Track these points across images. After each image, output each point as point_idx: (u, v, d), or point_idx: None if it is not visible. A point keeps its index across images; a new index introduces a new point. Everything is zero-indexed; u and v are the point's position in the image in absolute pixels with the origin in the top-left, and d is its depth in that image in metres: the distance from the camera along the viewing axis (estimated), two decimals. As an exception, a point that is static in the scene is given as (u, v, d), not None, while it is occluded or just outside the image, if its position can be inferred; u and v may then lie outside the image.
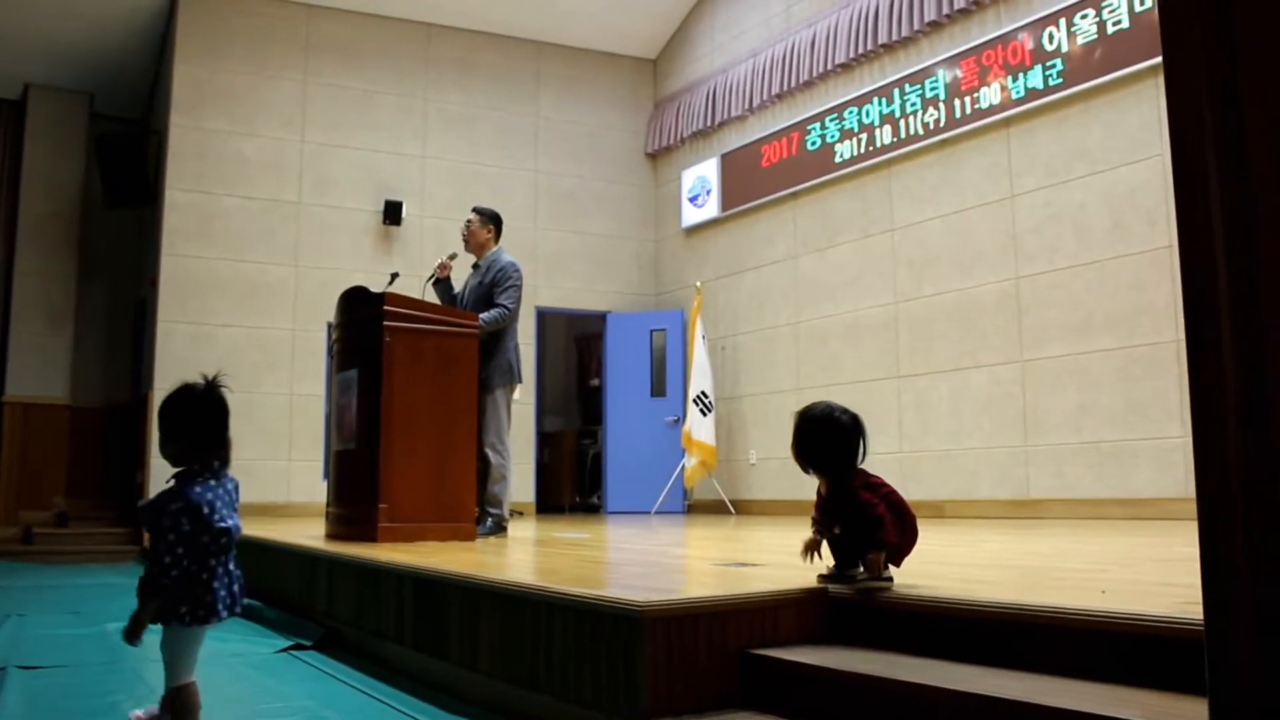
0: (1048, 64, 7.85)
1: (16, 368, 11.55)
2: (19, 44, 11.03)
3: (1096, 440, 7.39)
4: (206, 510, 2.51)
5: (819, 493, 2.92)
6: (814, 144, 10.06)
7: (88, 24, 10.80)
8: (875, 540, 2.76)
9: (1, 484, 11.10)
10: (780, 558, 4.13)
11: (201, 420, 2.61)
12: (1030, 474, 7.83)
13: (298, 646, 4.38)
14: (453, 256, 6.45)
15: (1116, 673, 2.09)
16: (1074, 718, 1.86)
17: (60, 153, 12.00)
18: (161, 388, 9.82)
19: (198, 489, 2.54)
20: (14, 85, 11.91)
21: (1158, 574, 3.24)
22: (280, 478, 10.29)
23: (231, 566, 2.58)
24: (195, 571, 2.50)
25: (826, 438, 2.85)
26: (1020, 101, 8.05)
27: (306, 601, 4.97)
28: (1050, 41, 7.85)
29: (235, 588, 2.59)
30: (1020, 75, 8.06)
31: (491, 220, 6.51)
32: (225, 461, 2.65)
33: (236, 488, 2.67)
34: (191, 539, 2.49)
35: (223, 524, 2.53)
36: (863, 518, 2.77)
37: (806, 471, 2.90)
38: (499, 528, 6.03)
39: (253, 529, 6.76)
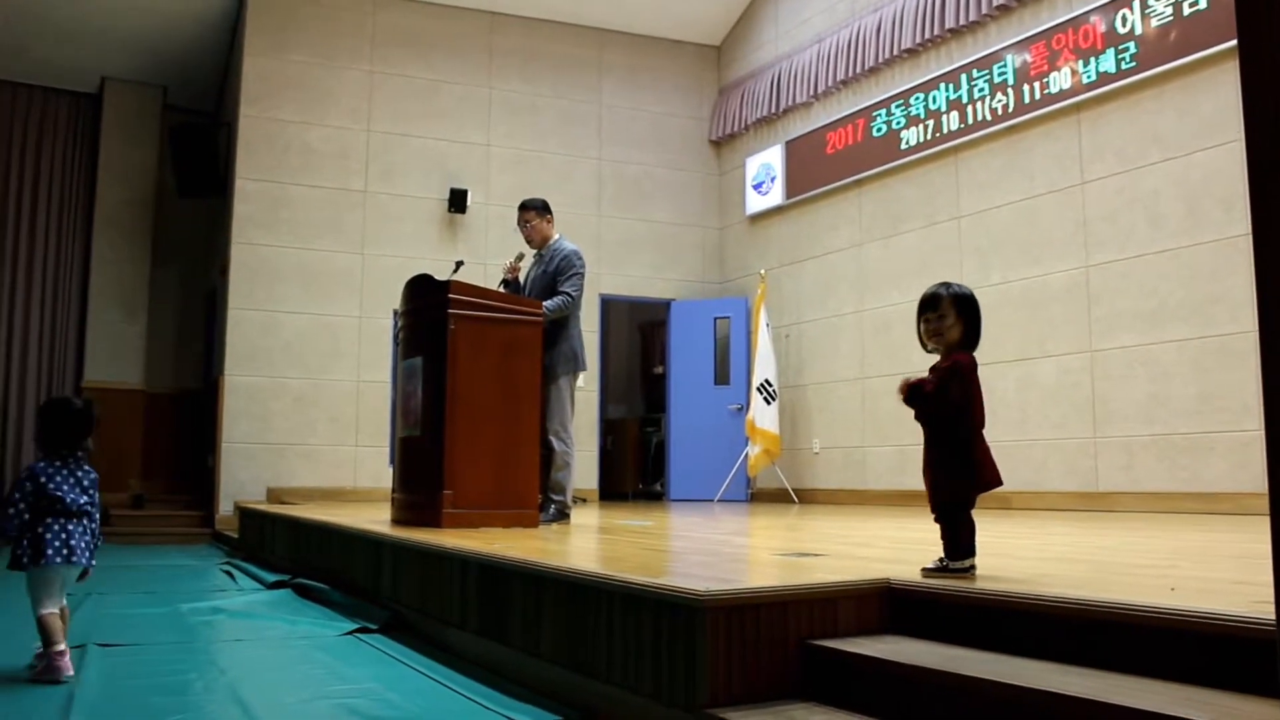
0: (1120, 47, 7.69)
1: (94, 354, 11.87)
2: (96, 39, 11.28)
3: (1168, 432, 7.25)
4: (44, 479, 3.51)
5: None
6: (879, 131, 9.96)
7: (161, 19, 11.02)
8: (934, 394, 2.84)
9: (80, 467, 11.40)
10: (842, 548, 4.11)
11: (60, 424, 3.63)
12: (1099, 466, 7.70)
13: (363, 630, 4.45)
14: (519, 258, 6.45)
15: (1185, 672, 2.04)
16: (1141, 717, 1.83)
17: (135, 144, 12.28)
18: (232, 374, 10.04)
19: (42, 464, 3.56)
20: (91, 79, 12.20)
21: (1230, 571, 3.18)
22: (347, 463, 10.45)
23: (71, 527, 3.51)
24: (34, 525, 3.47)
25: (938, 300, 2.96)
26: (1091, 86, 7.89)
27: (372, 586, 5.04)
28: (1123, 24, 7.68)
29: (73, 542, 3.50)
30: (1092, 59, 7.90)
31: (546, 210, 6.53)
32: (79, 456, 3.63)
33: (93, 482, 3.64)
34: (33, 498, 3.49)
35: (56, 492, 3.50)
36: (937, 378, 2.86)
37: (930, 335, 2.97)
38: (562, 515, 6.06)
39: (319, 514, 6.89)
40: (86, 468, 3.65)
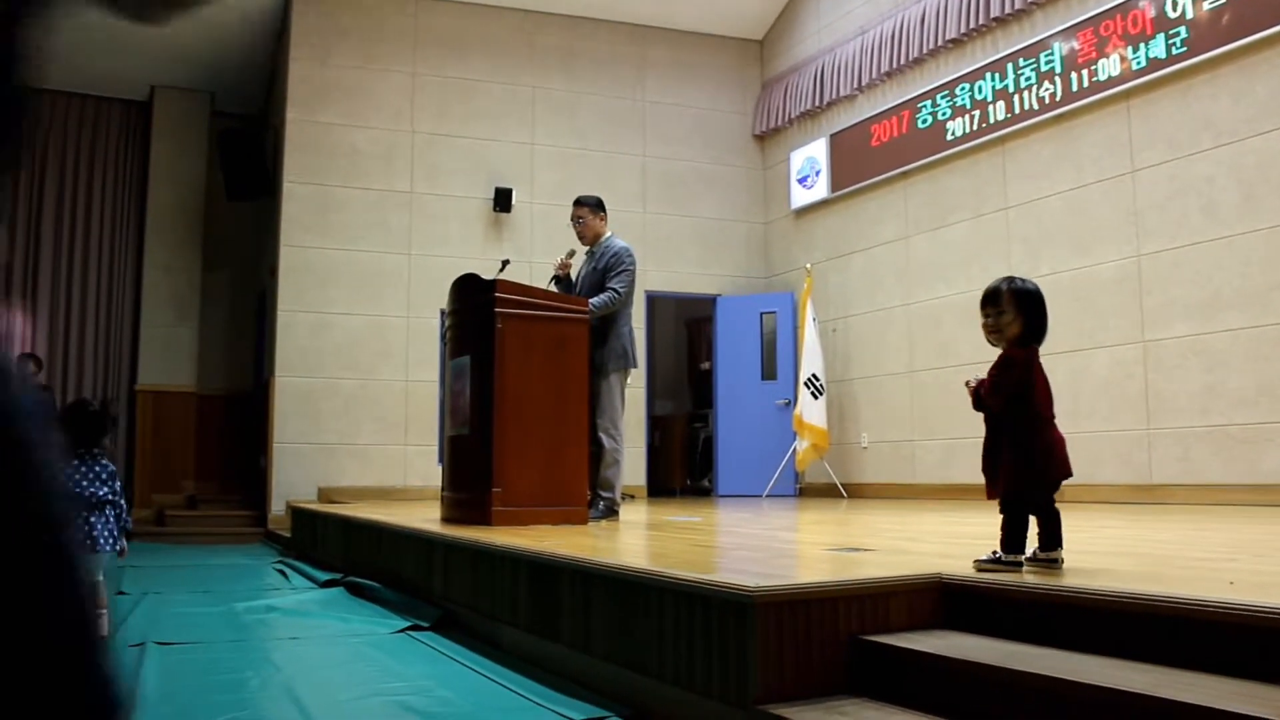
0: (1171, 32, 7.56)
1: (147, 357, 12.06)
2: (145, 49, 11.45)
3: (1224, 423, 7.12)
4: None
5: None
6: (925, 122, 9.88)
7: (208, 27, 11.16)
8: (985, 396, 2.85)
9: (136, 468, 11.60)
10: (893, 542, 4.09)
11: (78, 426, 4.00)
12: (1153, 458, 7.59)
13: (415, 627, 4.49)
14: (571, 254, 6.45)
15: (1246, 667, 2.01)
16: (1201, 712, 1.80)
17: (184, 150, 12.46)
18: (283, 375, 10.16)
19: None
20: (141, 88, 12.40)
21: (1291, 563, 3.12)
22: (397, 462, 10.54)
23: (94, 519, 3.88)
24: None
25: (998, 295, 2.95)
26: (1141, 72, 7.77)
27: (423, 584, 5.08)
28: (1174, 8, 7.55)
29: (94, 533, 3.87)
30: (1141, 45, 7.78)
31: (600, 207, 6.52)
32: (95, 453, 3.98)
33: (111, 474, 4.02)
34: None
35: (74, 490, 3.69)
36: (989, 379, 2.87)
37: (990, 330, 2.96)
38: (611, 511, 6.07)
39: (370, 513, 6.95)
40: (105, 461, 4.03)
